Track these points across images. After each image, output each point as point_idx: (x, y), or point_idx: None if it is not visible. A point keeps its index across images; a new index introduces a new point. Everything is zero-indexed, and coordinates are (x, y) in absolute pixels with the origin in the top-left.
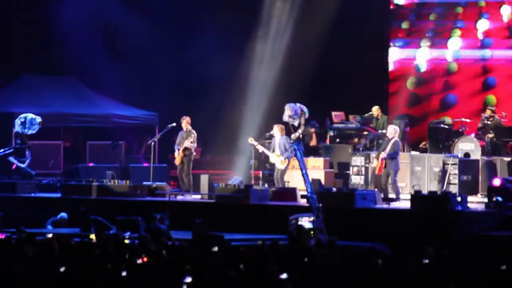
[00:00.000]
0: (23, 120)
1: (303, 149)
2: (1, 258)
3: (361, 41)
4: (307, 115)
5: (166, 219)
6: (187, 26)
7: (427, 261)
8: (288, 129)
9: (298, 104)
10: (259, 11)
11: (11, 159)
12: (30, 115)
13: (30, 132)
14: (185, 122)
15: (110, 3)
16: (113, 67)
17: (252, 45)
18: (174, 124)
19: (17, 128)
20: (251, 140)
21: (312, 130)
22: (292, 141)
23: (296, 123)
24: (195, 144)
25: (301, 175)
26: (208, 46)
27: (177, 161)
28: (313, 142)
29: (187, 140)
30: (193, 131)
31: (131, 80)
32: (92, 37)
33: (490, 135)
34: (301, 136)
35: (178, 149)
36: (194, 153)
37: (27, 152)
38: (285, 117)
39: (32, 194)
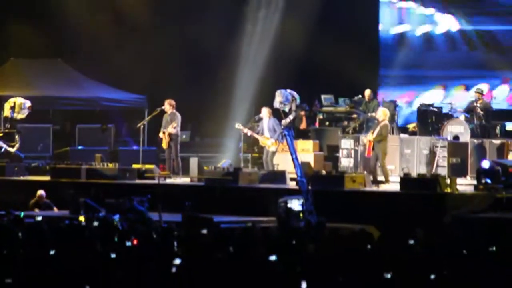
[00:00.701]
0: (12, 104)
1: (293, 135)
2: None
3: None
4: (298, 101)
5: (146, 202)
6: (179, 9)
7: (412, 242)
8: (279, 115)
9: (288, 90)
10: None
11: (0, 143)
12: (20, 100)
13: (19, 116)
14: (169, 105)
15: None
16: (102, 50)
17: (242, 27)
18: (163, 107)
19: (6, 112)
20: (239, 126)
21: (302, 113)
22: (283, 127)
23: (287, 109)
24: (179, 128)
25: (292, 159)
26: (199, 27)
27: (164, 145)
28: (303, 125)
29: (171, 125)
30: (177, 114)
31: (119, 63)
32: (81, 20)
33: (480, 118)
34: (291, 122)
35: (163, 132)
36: (184, 136)
37: (16, 137)
38: (276, 103)
39: (21, 177)
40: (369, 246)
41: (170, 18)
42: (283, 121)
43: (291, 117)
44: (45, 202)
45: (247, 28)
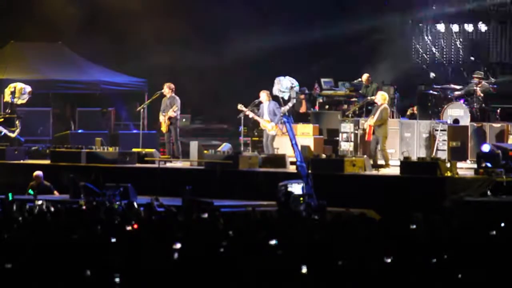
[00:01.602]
0: (12, 89)
1: (292, 122)
2: None
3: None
4: (297, 88)
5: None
6: None
7: (414, 226)
8: (279, 102)
9: (287, 77)
10: None
11: (1, 128)
12: (20, 85)
13: (20, 101)
14: (168, 89)
15: None
16: (101, 33)
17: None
18: (163, 90)
19: (7, 97)
20: (241, 107)
21: (302, 96)
22: (282, 114)
23: (286, 97)
24: (179, 112)
25: (291, 145)
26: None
27: (163, 129)
28: (303, 109)
29: (171, 109)
30: (177, 98)
31: (120, 46)
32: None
33: (480, 101)
34: (291, 109)
35: (164, 115)
36: (184, 120)
37: (17, 122)
38: (275, 91)
39: (21, 161)
40: (369, 230)
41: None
42: (282, 109)
43: (290, 104)
44: (44, 184)
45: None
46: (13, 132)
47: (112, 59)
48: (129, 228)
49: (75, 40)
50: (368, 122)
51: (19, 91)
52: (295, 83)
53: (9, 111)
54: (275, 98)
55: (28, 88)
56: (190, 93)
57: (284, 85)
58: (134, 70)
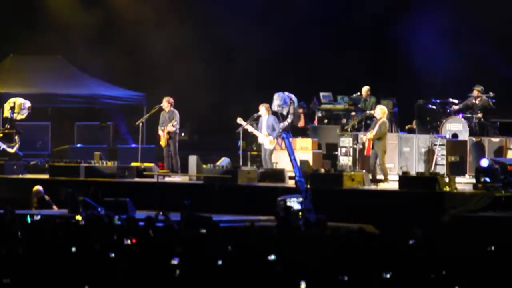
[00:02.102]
0: (12, 104)
1: (291, 137)
2: None
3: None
4: (295, 104)
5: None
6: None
7: (413, 241)
8: (278, 118)
9: (286, 93)
10: None
11: (0, 144)
12: (20, 100)
13: (19, 117)
14: (167, 103)
15: None
16: (101, 48)
17: (240, 25)
18: (162, 104)
19: (6, 113)
20: (240, 120)
21: (300, 110)
22: (281, 130)
23: (285, 112)
24: (178, 126)
25: (290, 161)
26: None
27: (162, 143)
28: (301, 123)
29: (170, 123)
30: (176, 112)
31: (118, 60)
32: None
33: (479, 115)
34: (290, 125)
35: (162, 130)
36: (183, 134)
37: (16, 137)
38: (274, 107)
39: (20, 175)
40: (368, 245)
41: (169, 15)
42: (281, 124)
43: (289, 120)
44: (44, 198)
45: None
46: (12, 147)
47: (112, 73)
48: (128, 242)
49: (75, 54)
50: (367, 136)
51: (18, 106)
52: (294, 98)
53: (9, 126)
54: (274, 113)
55: (28, 104)
56: (190, 106)
57: (283, 100)
58: (134, 84)
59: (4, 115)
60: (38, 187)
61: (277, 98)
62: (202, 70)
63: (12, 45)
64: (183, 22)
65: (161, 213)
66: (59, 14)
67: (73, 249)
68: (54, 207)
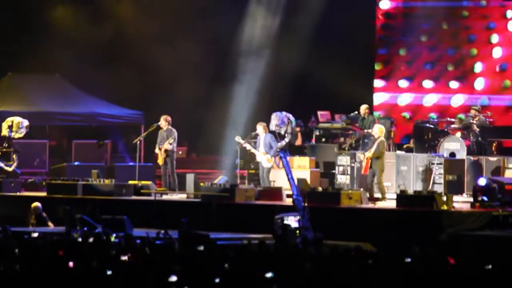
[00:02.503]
0: (10, 123)
1: (289, 156)
2: None
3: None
4: (293, 124)
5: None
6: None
7: (410, 260)
8: (275, 138)
9: (284, 113)
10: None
11: None
12: (18, 119)
13: (17, 135)
14: (164, 121)
15: None
16: (100, 67)
17: (238, 44)
18: (159, 123)
19: (4, 131)
20: (238, 139)
21: (298, 129)
22: (278, 149)
23: (282, 132)
24: (175, 144)
25: (287, 180)
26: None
27: (160, 161)
28: (299, 142)
29: (167, 141)
30: (174, 130)
31: (117, 79)
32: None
33: (476, 130)
34: (287, 144)
35: (159, 148)
36: (180, 152)
37: (14, 156)
38: (272, 126)
39: (17, 193)
40: (365, 264)
41: (166, 34)
42: (279, 144)
43: (286, 139)
44: (41, 215)
45: (243, 45)
46: (10, 166)
47: (109, 91)
48: (124, 258)
49: (72, 72)
50: (366, 155)
51: (16, 125)
52: (291, 118)
53: (6, 145)
54: (271, 132)
55: (26, 122)
56: (187, 125)
57: (281, 120)
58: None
59: (2, 134)
60: (36, 204)
61: (275, 118)
62: (200, 88)
63: (12, 63)
64: (186, 40)
65: (163, 231)
66: (58, 33)
67: (71, 264)
68: (50, 224)
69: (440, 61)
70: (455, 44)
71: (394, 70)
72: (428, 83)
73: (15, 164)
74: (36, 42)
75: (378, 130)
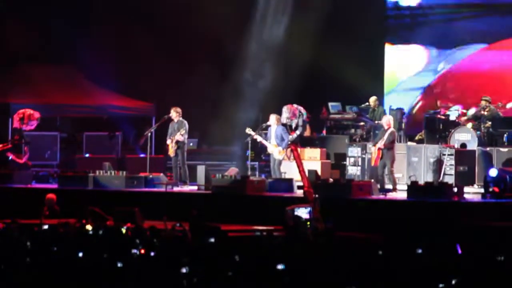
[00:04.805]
0: (21, 116)
1: (300, 149)
2: None
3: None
4: (304, 116)
5: None
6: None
7: (421, 251)
8: (287, 130)
9: (295, 105)
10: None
11: (9, 154)
12: (29, 111)
13: (28, 128)
14: (175, 113)
15: None
16: (110, 57)
17: (249, 35)
18: (170, 114)
19: (16, 123)
20: (249, 130)
21: (306, 119)
22: (289, 142)
23: (294, 124)
24: (187, 135)
25: (299, 172)
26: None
27: (171, 153)
28: (307, 133)
29: (179, 132)
30: (185, 122)
31: (128, 70)
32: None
33: (487, 125)
34: (298, 137)
35: (171, 140)
36: (191, 144)
37: (25, 148)
38: (283, 119)
39: (29, 185)
40: (376, 255)
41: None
42: (290, 137)
43: (298, 132)
44: (54, 207)
45: (254, 35)
46: (22, 158)
47: (121, 82)
48: (135, 252)
49: (84, 63)
50: (377, 146)
51: (27, 117)
52: (303, 110)
53: (18, 137)
54: (283, 124)
55: (37, 114)
56: (198, 117)
57: (292, 112)
58: (143, 94)
59: (13, 126)
60: (51, 195)
61: (286, 111)
62: (211, 80)
63: (21, 53)
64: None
65: (178, 224)
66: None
67: (80, 254)
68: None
69: None
70: None
71: None
72: None
73: (26, 156)
74: (46, 31)
75: (388, 121)
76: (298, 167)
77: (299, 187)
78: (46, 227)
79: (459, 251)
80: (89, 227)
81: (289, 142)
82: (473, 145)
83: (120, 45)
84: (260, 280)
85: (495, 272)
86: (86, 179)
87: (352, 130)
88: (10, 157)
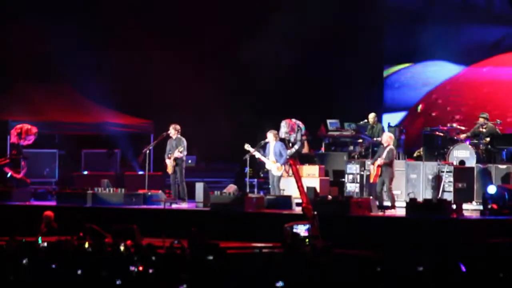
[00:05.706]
0: (19, 131)
1: (298, 164)
2: None
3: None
4: (303, 131)
5: None
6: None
7: (421, 268)
8: (285, 145)
9: (293, 120)
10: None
11: (7, 169)
12: (26, 126)
13: (26, 142)
14: (174, 130)
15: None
16: (108, 75)
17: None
18: (169, 131)
19: (13, 138)
20: (248, 147)
21: (304, 137)
22: (288, 157)
23: (292, 139)
24: (185, 152)
25: (297, 187)
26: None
27: (169, 170)
28: (306, 150)
29: (177, 149)
30: (183, 139)
31: (125, 88)
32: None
33: (486, 141)
34: (296, 152)
35: (169, 157)
36: (189, 161)
37: (23, 163)
38: (282, 133)
39: (27, 202)
40: (375, 272)
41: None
42: (289, 151)
43: (296, 147)
44: (52, 224)
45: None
46: (19, 173)
47: (119, 100)
48: (133, 268)
49: (82, 82)
50: (377, 163)
51: (25, 132)
52: (301, 125)
53: (15, 152)
54: (281, 139)
55: (34, 129)
56: (196, 133)
57: (290, 127)
58: (141, 111)
59: (11, 141)
60: (49, 212)
61: (285, 125)
62: (210, 96)
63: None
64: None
65: (176, 241)
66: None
67: (79, 271)
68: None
69: None
70: None
71: None
72: None
73: (24, 170)
74: (46, 50)
75: (387, 138)
76: (297, 182)
77: (297, 204)
78: (45, 244)
79: (463, 269)
80: (87, 244)
81: (288, 157)
82: (471, 162)
83: (118, 62)
84: None
85: None
86: (85, 196)
87: (351, 147)
88: (9, 174)
